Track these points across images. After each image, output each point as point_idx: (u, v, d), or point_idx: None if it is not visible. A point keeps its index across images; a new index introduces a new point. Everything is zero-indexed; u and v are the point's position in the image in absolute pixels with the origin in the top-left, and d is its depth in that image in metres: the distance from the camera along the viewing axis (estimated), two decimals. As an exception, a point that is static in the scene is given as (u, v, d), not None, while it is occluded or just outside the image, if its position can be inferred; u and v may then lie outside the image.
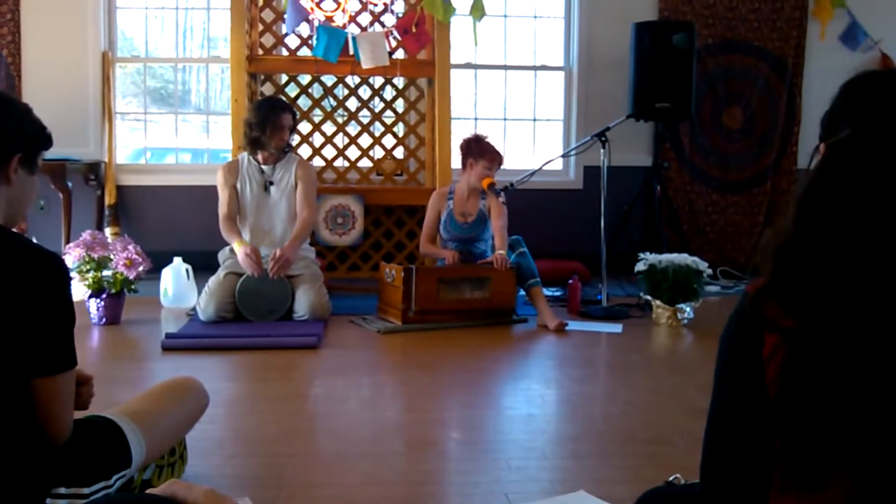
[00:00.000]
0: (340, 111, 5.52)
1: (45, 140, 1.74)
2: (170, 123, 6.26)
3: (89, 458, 1.67)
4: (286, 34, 5.35)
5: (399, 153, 5.64)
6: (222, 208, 4.35)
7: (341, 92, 5.53)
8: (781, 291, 1.10)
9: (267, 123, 4.26)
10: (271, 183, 4.37)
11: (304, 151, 5.40)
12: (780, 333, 1.10)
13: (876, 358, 1.04)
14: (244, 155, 4.42)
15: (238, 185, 4.37)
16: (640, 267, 4.36)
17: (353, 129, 5.53)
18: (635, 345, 3.88)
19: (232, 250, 4.29)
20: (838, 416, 1.05)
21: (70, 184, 5.43)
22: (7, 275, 1.54)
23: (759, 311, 1.12)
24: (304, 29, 5.29)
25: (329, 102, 5.53)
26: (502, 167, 4.56)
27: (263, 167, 4.37)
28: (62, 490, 1.61)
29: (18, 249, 1.58)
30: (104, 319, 4.03)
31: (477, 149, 4.48)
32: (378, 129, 5.56)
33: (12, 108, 1.66)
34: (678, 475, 1.80)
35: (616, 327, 4.18)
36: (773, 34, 6.12)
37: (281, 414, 2.73)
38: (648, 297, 4.35)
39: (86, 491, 1.64)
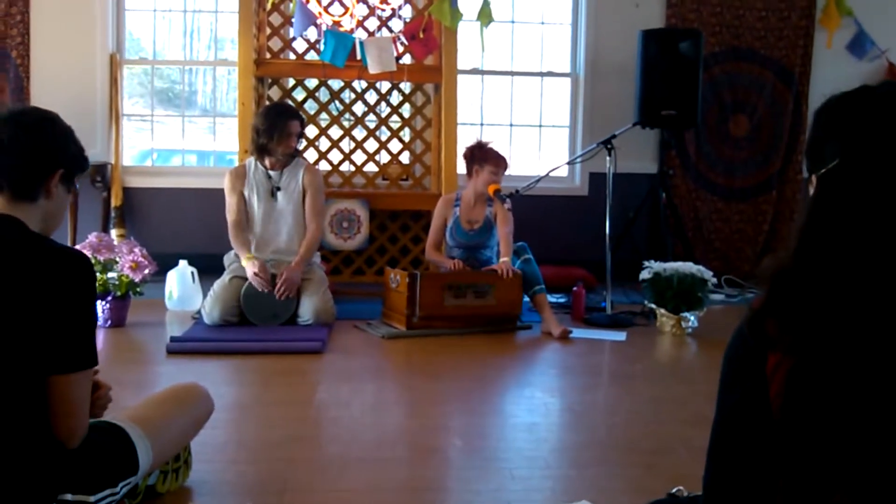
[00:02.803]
0: (347, 115, 5.54)
1: (84, 161, 1.81)
2: (176, 125, 6.28)
3: (97, 464, 1.68)
4: (294, 38, 5.36)
5: (405, 158, 5.65)
6: (230, 214, 4.36)
7: (348, 96, 5.54)
8: (778, 314, 1.11)
9: (274, 130, 4.26)
10: (278, 188, 4.37)
11: (311, 155, 5.40)
12: (780, 350, 1.11)
13: (876, 377, 1.05)
14: (251, 160, 4.43)
15: (245, 191, 4.37)
16: (644, 275, 4.36)
17: (359, 133, 5.54)
18: (639, 353, 3.88)
19: (238, 254, 4.31)
20: (839, 434, 1.06)
21: (76, 185, 5.44)
22: (35, 272, 1.57)
23: (758, 330, 1.13)
24: (311, 33, 5.29)
25: (336, 107, 5.55)
26: (508, 173, 4.57)
27: (271, 173, 4.37)
28: (68, 497, 1.62)
29: (48, 249, 1.63)
30: (109, 322, 4.05)
31: (480, 155, 4.49)
32: (384, 133, 5.57)
33: (58, 125, 1.74)
34: (681, 487, 1.80)
35: (620, 335, 4.17)
36: (779, 43, 6.11)
37: (284, 419, 2.73)
38: (653, 306, 4.34)
39: (91, 499, 1.65)
